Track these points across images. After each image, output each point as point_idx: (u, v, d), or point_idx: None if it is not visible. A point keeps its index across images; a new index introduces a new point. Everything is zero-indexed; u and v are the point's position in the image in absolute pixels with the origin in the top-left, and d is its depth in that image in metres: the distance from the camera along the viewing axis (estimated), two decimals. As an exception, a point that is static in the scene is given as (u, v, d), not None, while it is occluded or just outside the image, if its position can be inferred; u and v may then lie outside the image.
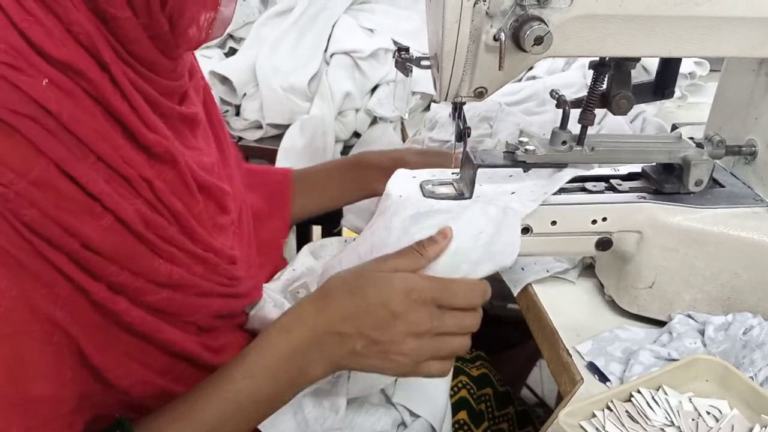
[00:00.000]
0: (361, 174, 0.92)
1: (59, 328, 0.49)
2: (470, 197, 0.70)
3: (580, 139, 0.71)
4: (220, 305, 0.64)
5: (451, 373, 0.85)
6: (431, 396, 0.79)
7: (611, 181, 0.75)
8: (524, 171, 0.72)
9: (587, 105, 0.69)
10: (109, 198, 0.51)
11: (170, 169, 0.58)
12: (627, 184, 0.75)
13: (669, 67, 0.73)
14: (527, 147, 0.70)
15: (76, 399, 0.52)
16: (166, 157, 0.57)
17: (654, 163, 0.76)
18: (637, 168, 0.78)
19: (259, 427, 0.65)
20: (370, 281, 0.60)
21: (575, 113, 0.70)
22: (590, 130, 0.71)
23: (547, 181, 0.71)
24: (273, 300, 0.74)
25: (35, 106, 0.46)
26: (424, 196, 0.70)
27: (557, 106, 0.69)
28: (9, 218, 0.46)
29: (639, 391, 0.58)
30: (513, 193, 0.70)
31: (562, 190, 0.73)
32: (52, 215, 0.47)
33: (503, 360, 1.09)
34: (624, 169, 0.78)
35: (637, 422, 0.55)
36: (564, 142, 0.70)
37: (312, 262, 0.83)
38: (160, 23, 0.53)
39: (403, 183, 0.73)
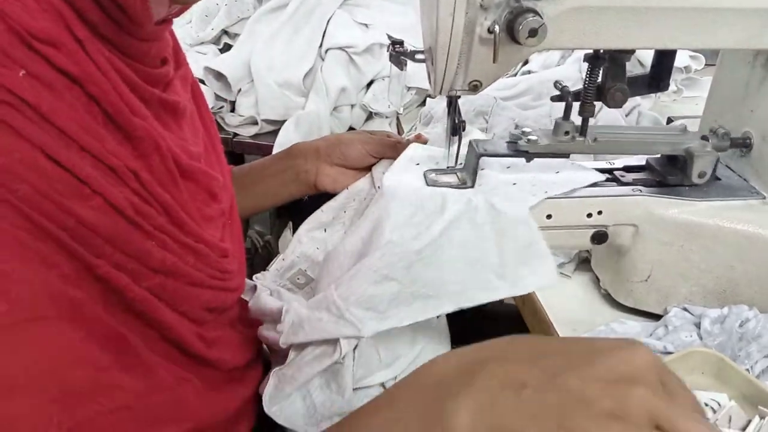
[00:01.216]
0: (294, 162, 0.86)
1: (79, 308, 0.47)
2: (472, 186, 0.70)
3: (582, 130, 0.71)
4: (212, 297, 0.63)
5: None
6: None
7: (615, 172, 0.75)
8: (527, 161, 0.72)
9: (585, 97, 0.69)
10: (97, 182, 0.49)
11: (153, 152, 0.56)
12: (630, 176, 0.75)
13: (664, 60, 0.72)
14: (530, 137, 0.70)
15: (132, 394, 0.49)
16: (148, 140, 0.55)
17: (658, 155, 0.76)
18: (637, 161, 0.78)
19: (269, 413, 0.64)
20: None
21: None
22: (585, 123, 0.71)
23: (553, 178, 0.70)
24: (268, 289, 0.74)
25: (12, 96, 0.45)
26: (428, 184, 0.70)
27: (559, 98, 0.69)
28: (4, 194, 0.43)
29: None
30: (514, 184, 0.70)
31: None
32: (44, 192, 0.45)
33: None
34: (619, 163, 0.78)
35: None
36: (567, 133, 0.70)
37: (304, 249, 0.82)
38: (108, 7, 0.51)
39: (402, 170, 0.73)
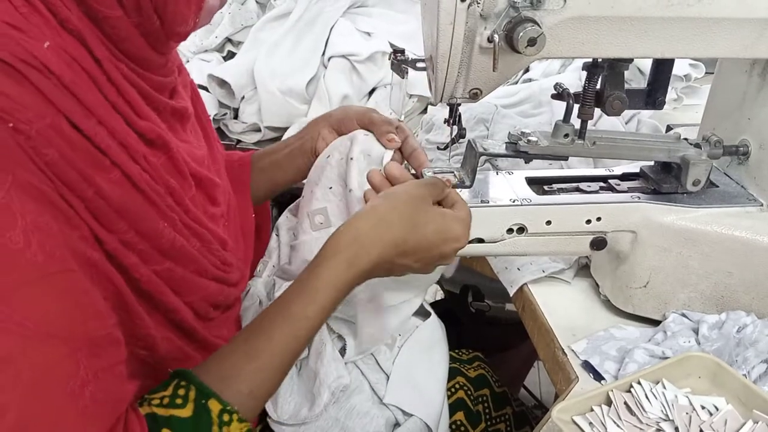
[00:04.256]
0: (304, 132, 0.86)
1: (97, 269, 0.50)
2: (471, 185, 0.71)
3: (581, 133, 0.71)
4: (215, 290, 0.65)
5: (447, 373, 0.85)
6: (424, 394, 0.79)
7: (609, 181, 0.76)
8: (525, 162, 0.72)
9: (584, 100, 0.70)
10: (116, 154, 0.52)
11: (163, 154, 0.59)
12: (625, 184, 0.76)
13: (661, 74, 0.73)
14: (530, 138, 0.71)
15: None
16: (159, 143, 0.58)
17: (652, 163, 0.77)
18: (635, 168, 0.78)
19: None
20: (430, 219, 0.64)
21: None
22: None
23: None
24: (259, 298, 0.76)
25: (39, 63, 0.47)
26: None
27: (558, 96, 0.70)
28: (34, 157, 0.46)
29: (639, 383, 0.58)
30: None
31: (560, 190, 0.74)
32: (69, 159, 0.48)
33: (501, 361, 1.09)
34: (618, 171, 0.79)
35: (635, 414, 0.56)
36: (566, 135, 0.71)
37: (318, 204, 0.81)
38: (150, 20, 0.54)
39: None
